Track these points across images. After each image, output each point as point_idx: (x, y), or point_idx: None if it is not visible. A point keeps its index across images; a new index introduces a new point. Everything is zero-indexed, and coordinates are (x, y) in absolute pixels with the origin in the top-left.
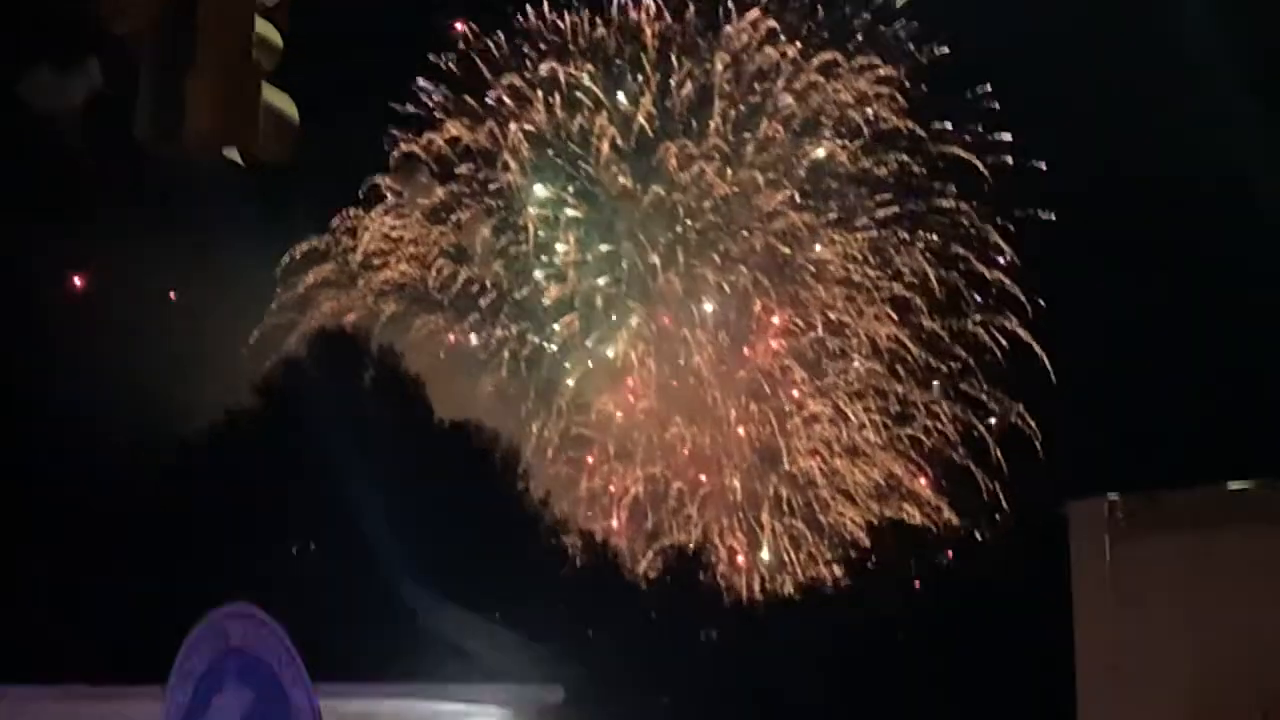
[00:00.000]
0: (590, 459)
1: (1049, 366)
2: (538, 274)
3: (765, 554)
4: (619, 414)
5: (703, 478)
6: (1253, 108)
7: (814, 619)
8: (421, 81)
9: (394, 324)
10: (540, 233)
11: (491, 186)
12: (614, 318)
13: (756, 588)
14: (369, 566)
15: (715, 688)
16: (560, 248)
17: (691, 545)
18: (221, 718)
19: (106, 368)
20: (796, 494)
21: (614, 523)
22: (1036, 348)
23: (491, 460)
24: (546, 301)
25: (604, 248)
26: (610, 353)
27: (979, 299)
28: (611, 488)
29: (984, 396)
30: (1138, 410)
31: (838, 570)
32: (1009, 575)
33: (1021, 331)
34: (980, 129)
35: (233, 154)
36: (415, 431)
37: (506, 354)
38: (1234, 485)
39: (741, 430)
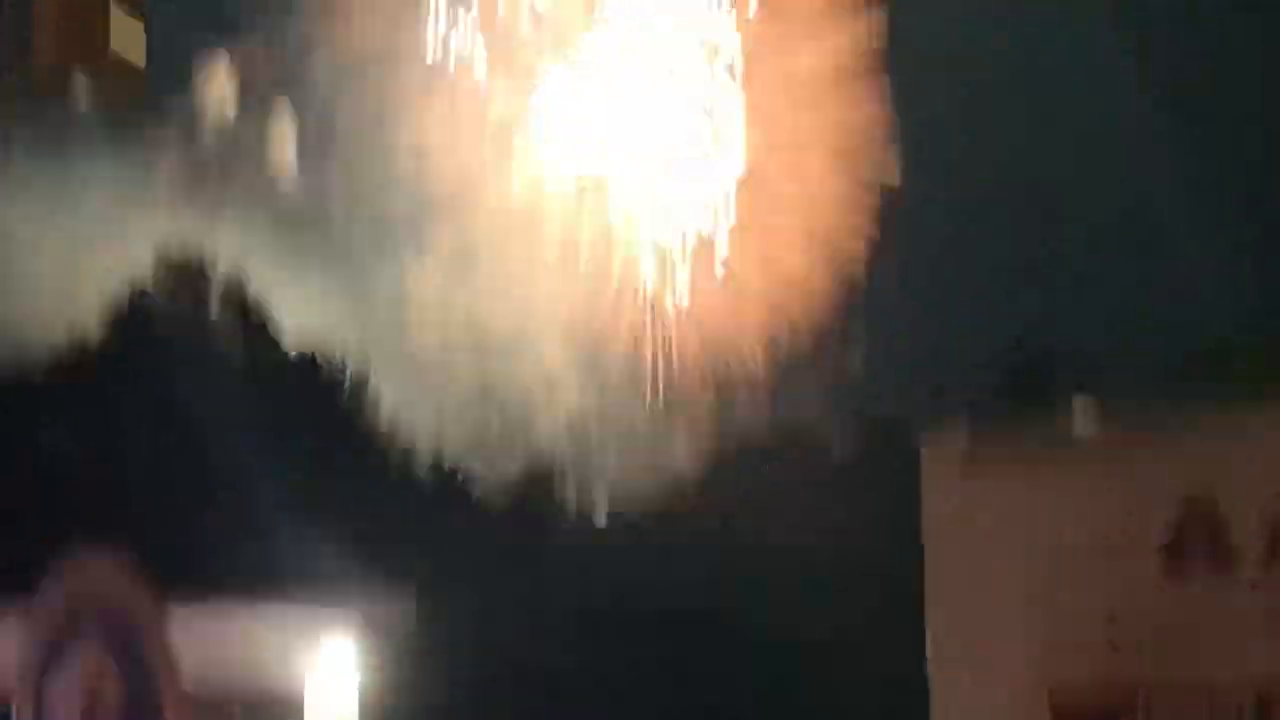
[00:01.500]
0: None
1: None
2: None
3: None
4: (436, 339)
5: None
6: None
7: (659, 531)
8: None
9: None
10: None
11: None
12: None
13: (601, 508)
14: (217, 487)
15: (564, 604)
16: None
17: (536, 467)
18: (78, 662)
19: None
20: (630, 410)
21: (454, 442)
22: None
23: (341, 381)
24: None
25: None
26: (424, 276)
27: None
28: (449, 406)
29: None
30: (968, 331)
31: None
32: (854, 496)
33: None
34: None
35: (80, 84)
36: (263, 354)
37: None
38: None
39: (563, 353)
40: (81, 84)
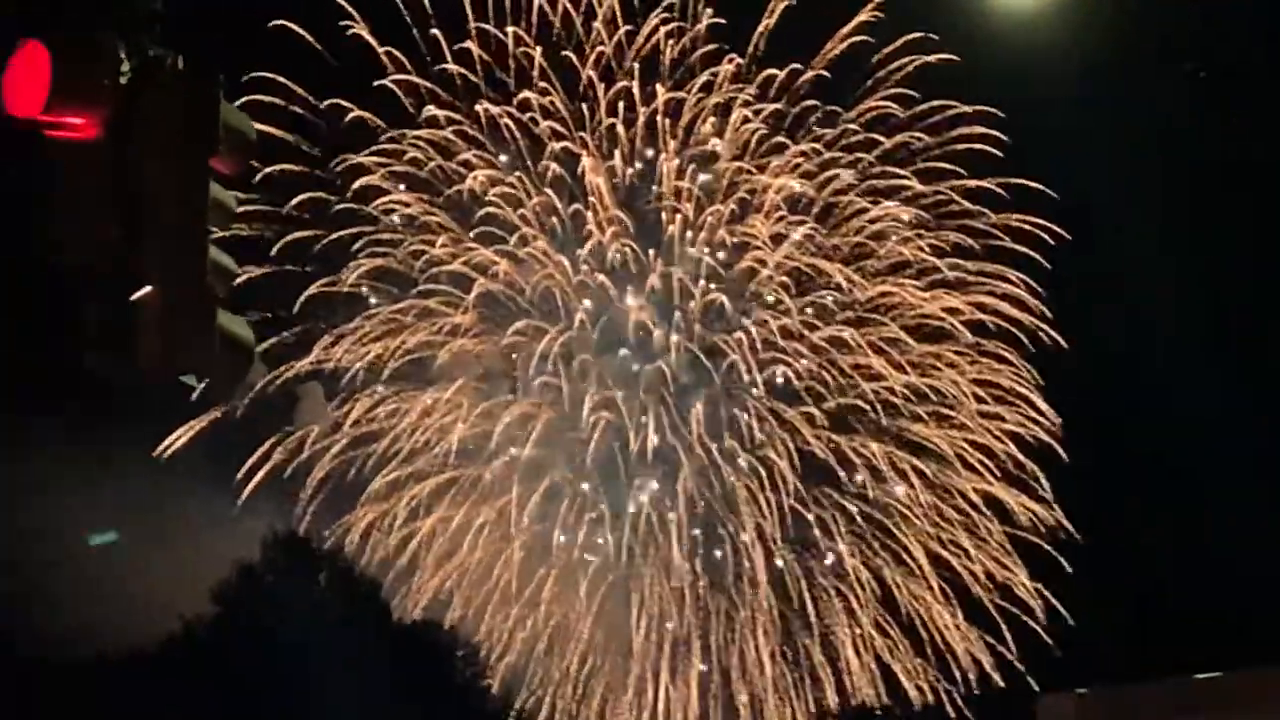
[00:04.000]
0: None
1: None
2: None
3: None
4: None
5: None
6: None
7: None
8: None
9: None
10: None
11: None
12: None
13: None
14: None
15: None
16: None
17: None
18: None
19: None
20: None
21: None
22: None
23: (452, 658)
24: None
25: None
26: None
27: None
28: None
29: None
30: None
31: None
32: None
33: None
34: None
35: (188, 379)
36: (372, 632)
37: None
38: (1200, 676)
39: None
40: (190, 385)
